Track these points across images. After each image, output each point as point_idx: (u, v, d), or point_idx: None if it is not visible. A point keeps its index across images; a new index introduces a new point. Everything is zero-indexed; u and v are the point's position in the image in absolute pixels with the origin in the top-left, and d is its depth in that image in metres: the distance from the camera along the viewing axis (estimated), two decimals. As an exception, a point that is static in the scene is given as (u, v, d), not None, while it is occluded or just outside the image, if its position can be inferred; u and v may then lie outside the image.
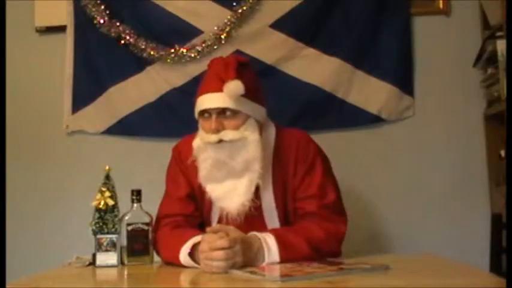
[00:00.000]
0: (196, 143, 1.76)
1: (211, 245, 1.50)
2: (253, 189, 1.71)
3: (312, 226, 1.69)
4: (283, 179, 1.78)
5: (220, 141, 1.70)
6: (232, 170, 1.71)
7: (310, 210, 1.75)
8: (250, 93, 1.71)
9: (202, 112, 1.74)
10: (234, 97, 1.68)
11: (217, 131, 1.70)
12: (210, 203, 1.81)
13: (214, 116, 1.71)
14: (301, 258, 1.60)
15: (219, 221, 1.78)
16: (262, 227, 1.72)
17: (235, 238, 1.53)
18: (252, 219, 1.73)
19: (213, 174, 1.72)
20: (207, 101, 1.73)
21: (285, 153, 1.79)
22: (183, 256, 1.62)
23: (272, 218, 1.78)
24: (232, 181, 1.71)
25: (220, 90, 1.69)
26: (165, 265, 1.73)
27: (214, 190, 1.74)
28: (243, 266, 1.52)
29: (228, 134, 1.70)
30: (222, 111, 1.71)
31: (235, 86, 1.67)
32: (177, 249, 1.64)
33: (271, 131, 1.83)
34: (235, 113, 1.71)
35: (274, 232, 1.64)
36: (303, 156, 1.79)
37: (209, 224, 1.81)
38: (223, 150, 1.70)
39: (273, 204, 1.77)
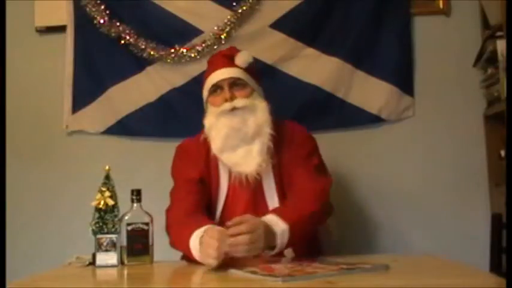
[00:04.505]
0: (209, 121, 1.90)
1: (236, 229, 1.55)
2: (266, 150, 1.86)
3: (305, 200, 1.79)
4: (279, 166, 1.90)
5: (233, 109, 1.86)
6: (244, 136, 1.85)
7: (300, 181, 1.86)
8: (254, 75, 1.94)
9: (214, 89, 1.91)
10: (246, 65, 1.90)
11: (230, 99, 1.87)
12: (218, 182, 1.91)
13: (226, 88, 1.88)
14: (305, 233, 1.74)
15: (227, 198, 1.90)
16: (264, 205, 1.86)
17: (257, 223, 1.59)
18: (255, 197, 1.88)
19: (227, 143, 1.86)
20: (218, 75, 1.91)
21: (282, 142, 1.92)
22: (194, 246, 1.64)
23: (272, 197, 1.89)
24: (245, 147, 1.86)
25: (229, 65, 1.91)
26: (164, 265, 1.73)
27: (230, 158, 1.87)
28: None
29: (240, 102, 1.87)
30: (232, 83, 1.89)
31: (245, 55, 1.92)
32: (187, 240, 1.67)
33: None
34: (244, 85, 1.90)
35: (281, 215, 1.70)
36: (297, 151, 1.93)
37: (216, 204, 1.91)
38: (236, 117, 1.86)
39: (273, 185, 1.89)
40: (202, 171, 1.92)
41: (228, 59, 1.92)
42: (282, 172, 1.90)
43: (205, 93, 1.95)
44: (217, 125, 1.87)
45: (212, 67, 1.96)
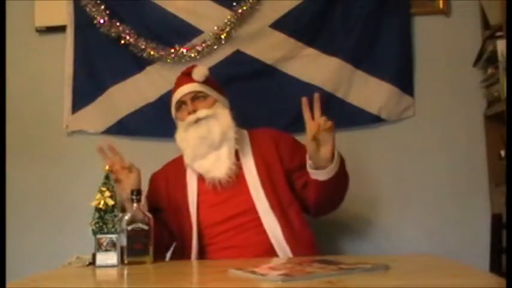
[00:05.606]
0: (179, 135, 2.03)
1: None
2: (233, 154, 1.98)
3: None
4: (263, 158, 2.02)
5: (197, 120, 1.98)
6: (212, 143, 1.97)
7: None
8: (215, 86, 2.07)
9: (179, 105, 2.05)
10: (202, 78, 2.02)
11: (193, 112, 2.00)
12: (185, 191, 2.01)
13: (189, 102, 2.02)
14: (345, 176, 1.96)
15: (200, 203, 1.99)
16: (246, 190, 1.96)
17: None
18: (236, 184, 1.97)
19: (197, 151, 1.98)
20: (180, 91, 2.04)
21: (262, 141, 2.07)
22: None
23: (255, 183, 1.98)
24: (214, 153, 1.97)
25: (189, 81, 2.04)
26: (164, 265, 1.73)
27: (201, 165, 1.98)
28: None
29: (202, 112, 2.00)
30: (194, 97, 2.02)
31: (201, 69, 2.04)
32: None
33: (243, 130, 2.09)
34: (205, 97, 2.03)
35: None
36: (280, 141, 2.07)
37: (188, 209, 1.99)
38: (201, 127, 1.98)
39: (255, 172, 1.99)
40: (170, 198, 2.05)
41: (187, 76, 2.06)
42: (271, 170, 2.01)
43: (173, 111, 2.10)
44: (186, 137, 2.00)
45: (175, 86, 2.10)
